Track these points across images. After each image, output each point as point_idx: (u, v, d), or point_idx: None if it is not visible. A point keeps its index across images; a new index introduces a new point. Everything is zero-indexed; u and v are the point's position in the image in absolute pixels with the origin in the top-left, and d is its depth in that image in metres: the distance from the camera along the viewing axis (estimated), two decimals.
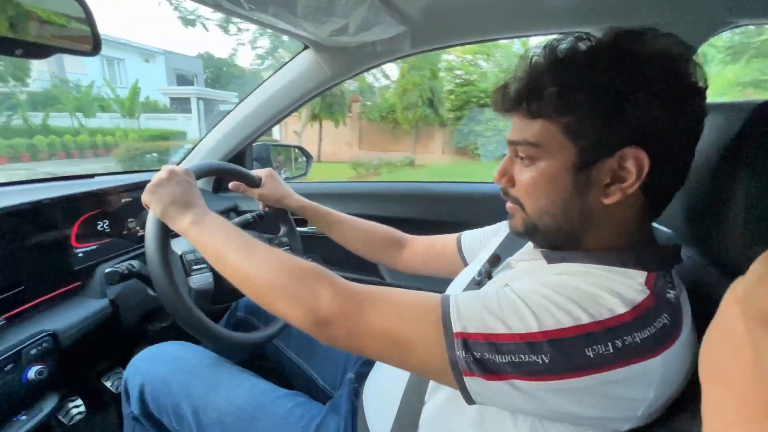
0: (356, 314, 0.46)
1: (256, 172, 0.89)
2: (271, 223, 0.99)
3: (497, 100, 0.51)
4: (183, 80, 18.82)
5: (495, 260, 0.63)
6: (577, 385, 0.39)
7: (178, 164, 1.27)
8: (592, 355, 0.38)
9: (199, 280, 0.76)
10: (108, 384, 0.95)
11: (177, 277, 0.68)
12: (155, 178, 0.67)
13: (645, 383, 0.40)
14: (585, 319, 0.39)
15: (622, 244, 0.49)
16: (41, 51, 0.48)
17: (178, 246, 0.77)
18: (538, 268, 0.54)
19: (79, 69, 14.37)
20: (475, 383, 0.41)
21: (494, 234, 0.77)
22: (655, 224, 0.53)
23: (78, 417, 0.84)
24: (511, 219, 0.56)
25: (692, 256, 0.56)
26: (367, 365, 0.87)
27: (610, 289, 0.42)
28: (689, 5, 0.76)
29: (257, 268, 0.53)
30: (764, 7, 0.75)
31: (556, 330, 0.39)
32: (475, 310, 0.43)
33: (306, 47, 0.99)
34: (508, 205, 0.55)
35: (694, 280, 0.51)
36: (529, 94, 0.47)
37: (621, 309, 0.40)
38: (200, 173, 0.75)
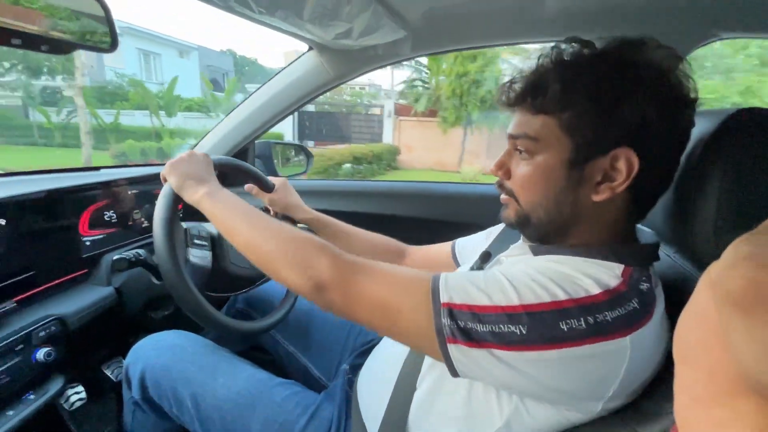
0: (352, 281, 0.50)
1: (273, 179, 0.93)
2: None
3: (503, 95, 0.54)
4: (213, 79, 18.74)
5: (486, 256, 0.66)
6: (550, 356, 0.42)
7: None
8: (565, 329, 0.41)
9: (198, 254, 0.80)
10: (108, 372, 0.97)
11: (177, 245, 0.72)
12: (177, 156, 0.73)
13: (614, 362, 0.43)
14: (561, 296, 0.43)
15: (605, 241, 0.52)
16: (64, 47, 0.51)
17: (184, 223, 0.82)
18: (522, 259, 0.56)
19: (117, 63, 14.20)
20: (457, 351, 0.44)
21: (485, 238, 0.80)
22: (638, 225, 0.56)
23: (78, 403, 0.86)
24: (504, 210, 0.58)
25: (671, 254, 0.59)
26: (361, 357, 0.90)
27: (588, 274, 0.45)
28: (674, 19, 0.79)
29: (264, 238, 0.57)
30: (743, 23, 0.79)
31: (534, 304, 0.43)
32: (462, 284, 0.46)
33: (310, 48, 1.02)
34: (503, 196, 0.58)
35: (672, 276, 0.54)
36: (533, 89, 0.49)
37: (595, 290, 0.43)
38: (220, 164, 0.79)
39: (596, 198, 0.49)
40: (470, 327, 0.44)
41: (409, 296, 0.48)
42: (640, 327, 0.43)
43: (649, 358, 0.46)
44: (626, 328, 0.43)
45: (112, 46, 0.58)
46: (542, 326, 0.42)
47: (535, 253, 0.56)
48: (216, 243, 0.85)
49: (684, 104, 0.47)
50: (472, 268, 0.68)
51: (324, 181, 1.42)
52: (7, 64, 12.67)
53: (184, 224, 0.81)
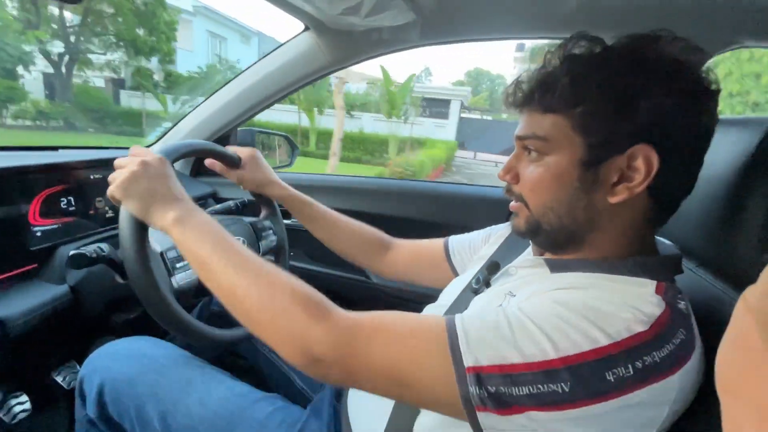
0: (352, 352, 0.42)
1: (236, 150, 0.81)
2: (255, 209, 0.93)
3: (509, 95, 0.51)
4: None
5: (494, 267, 0.61)
6: (596, 411, 0.37)
7: (149, 146, 1.19)
8: (612, 380, 0.37)
9: (183, 278, 0.70)
10: (59, 379, 0.86)
11: (159, 278, 0.61)
12: (126, 171, 0.56)
13: (662, 401, 0.39)
14: (603, 341, 0.38)
15: (625, 252, 0.48)
16: None
17: (156, 241, 0.70)
18: (541, 277, 0.52)
19: (185, 45, 13.25)
20: (488, 418, 0.39)
21: (484, 241, 0.76)
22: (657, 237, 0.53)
23: (22, 415, 0.76)
24: (514, 218, 0.55)
25: (693, 268, 0.56)
26: None
27: (626, 304, 0.40)
28: (697, 24, 0.77)
29: (246, 290, 0.47)
30: (767, 31, 0.77)
31: (574, 355, 0.37)
32: (486, 338, 0.40)
33: (306, 29, 0.93)
34: (513, 204, 0.54)
35: (697, 292, 0.51)
36: (542, 87, 0.47)
37: (639, 327, 0.38)
38: (175, 156, 0.66)
39: (613, 200, 0.45)
40: (503, 392, 0.38)
41: (424, 362, 0.41)
42: (689, 360, 0.40)
43: (693, 388, 0.42)
44: (676, 364, 0.39)
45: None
46: (586, 381, 0.37)
47: (553, 269, 0.51)
48: None
49: (704, 96, 0.44)
50: (478, 279, 0.62)
51: (313, 175, 1.34)
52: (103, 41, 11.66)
53: (158, 247, 0.70)
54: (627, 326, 0.38)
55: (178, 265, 0.70)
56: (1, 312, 0.65)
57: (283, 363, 0.89)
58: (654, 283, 0.43)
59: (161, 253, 0.69)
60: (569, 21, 0.81)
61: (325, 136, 11.84)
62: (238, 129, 1.22)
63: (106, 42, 11.68)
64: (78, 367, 0.89)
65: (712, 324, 0.42)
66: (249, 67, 1.05)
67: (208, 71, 13.14)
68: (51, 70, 11.25)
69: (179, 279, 0.69)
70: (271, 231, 0.90)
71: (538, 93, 0.47)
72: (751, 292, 0.20)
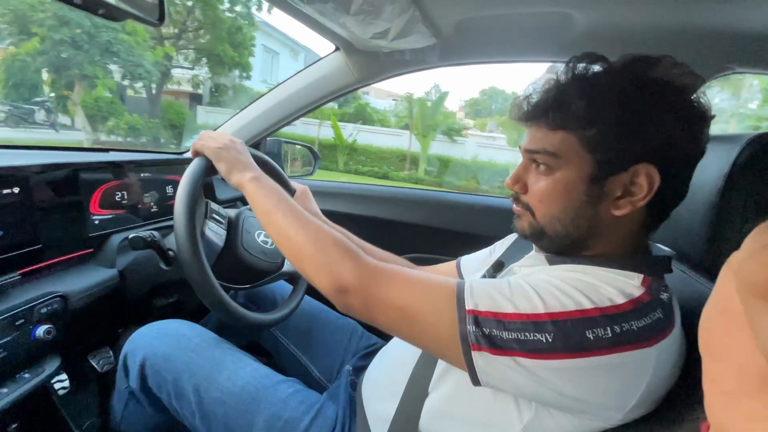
0: (373, 286, 0.50)
1: (295, 185, 0.90)
2: None
3: (519, 108, 0.54)
4: None
5: (498, 266, 0.67)
6: (576, 365, 0.42)
7: (188, 151, 1.29)
8: (591, 338, 0.41)
9: (214, 229, 0.80)
10: (94, 362, 0.94)
11: (208, 267, 0.70)
12: (219, 142, 0.72)
13: (639, 371, 0.43)
14: (587, 305, 0.43)
15: (620, 252, 0.52)
16: (115, 14, 0.51)
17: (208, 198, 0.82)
18: (540, 268, 0.56)
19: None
20: (481, 358, 0.44)
21: (489, 254, 0.80)
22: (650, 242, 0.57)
23: (62, 392, 0.83)
24: (516, 221, 0.58)
25: (684, 269, 0.61)
26: (364, 359, 0.88)
27: (610, 283, 0.46)
28: (692, 49, 0.83)
29: (297, 231, 0.58)
30: (758, 58, 0.83)
31: (560, 312, 0.43)
32: (487, 291, 0.47)
33: (337, 49, 1.04)
34: (516, 208, 0.58)
35: (685, 290, 0.55)
36: (554, 105, 0.49)
37: (620, 299, 0.44)
38: (254, 157, 0.77)
39: (617, 213, 0.49)
40: (495, 334, 0.44)
41: (432, 302, 0.48)
42: (665, 337, 0.44)
43: (672, 368, 0.46)
44: (652, 337, 0.43)
45: (160, 20, 0.58)
46: (568, 334, 0.42)
47: (551, 263, 0.56)
48: (232, 225, 0.85)
49: (704, 121, 0.48)
50: (483, 276, 0.68)
51: (332, 182, 1.42)
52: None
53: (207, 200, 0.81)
54: (609, 297, 0.44)
55: (215, 217, 0.81)
56: (64, 288, 0.73)
57: (302, 355, 0.95)
58: (641, 276, 0.48)
59: (207, 202, 0.81)
60: (575, 45, 0.87)
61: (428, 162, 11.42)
62: (267, 138, 1.32)
63: (195, 57, 11.95)
64: (111, 353, 0.97)
65: (697, 316, 0.46)
66: (282, 83, 1.16)
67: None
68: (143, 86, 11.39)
69: (211, 227, 0.79)
70: None
71: (552, 110, 0.49)
72: (734, 257, 0.21)
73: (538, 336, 0.42)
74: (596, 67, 0.49)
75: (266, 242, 0.89)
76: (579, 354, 0.42)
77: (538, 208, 0.53)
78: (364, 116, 14.18)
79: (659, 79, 0.47)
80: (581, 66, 0.49)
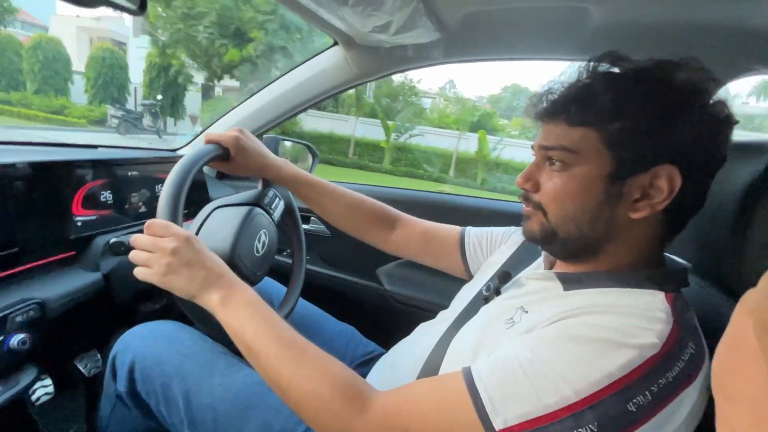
0: None
1: (219, 140, 0.73)
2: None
3: (537, 105, 0.52)
4: None
5: (505, 276, 0.62)
6: None
7: (180, 148, 1.25)
8: (634, 410, 0.38)
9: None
10: (81, 366, 0.90)
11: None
12: (161, 265, 0.55)
13: (681, 414, 0.40)
14: (618, 374, 0.39)
15: (635, 263, 0.50)
16: (93, 2, 0.47)
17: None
18: (553, 295, 0.53)
19: None
20: None
21: (502, 241, 0.76)
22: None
23: (45, 398, 0.79)
24: (526, 222, 0.55)
25: (701, 283, 0.58)
26: (362, 367, 0.85)
27: (638, 326, 0.41)
28: (713, 49, 0.79)
29: (288, 381, 0.50)
30: None
31: (593, 393, 0.38)
32: (508, 394, 0.41)
33: (335, 44, 0.99)
34: (527, 208, 0.55)
35: (703, 307, 0.53)
36: (577, 100, 0.48)
37: (651, 351, 0.40)
38: (174, 204, 0.61)
39: (634, 215, 0.47)
40: None
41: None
42: (701, 370, 0.41)
43: (705, 400, 0.43)
44: (689, 377, 0.40)
45: (141, 8, 0.53)
46: (610, 417, 0.38)
47: (565, 285, 0.52)
48: (234, 266, 0.78)
49: (729, 127, 0.47)
50: (488, 287, 0.64)
51: (334, 182, 1.38)
52: None
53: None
54: (640, 353, 0.39)
55: None
56: (41, 294, 0.69)
57: None
58: (662, 293, 0.45)
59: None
60: (587, 44, 0.83)
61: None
62: (264, 136, 1.28)
63: None
64: (99, 356, 0.94)
65: (718, 338, 0.44)
66: (278, 78, 1.11)
67: None
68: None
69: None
70: (276, 198, 0.86)
71: (575, 105, 0.48)
72: (750, 296, 0.20)
73: (582, 430, 0.38)
74: (623, 65, 0.48)
75: (259, 250, 0.84)
76: (628, 430, 0.38)
77: (551, 208, 0.51)
78: (487, 126, 12.80)
79: (686, 80, 0.45)
80: (608, 64, 0.48)
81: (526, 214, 0.55)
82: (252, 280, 0.77)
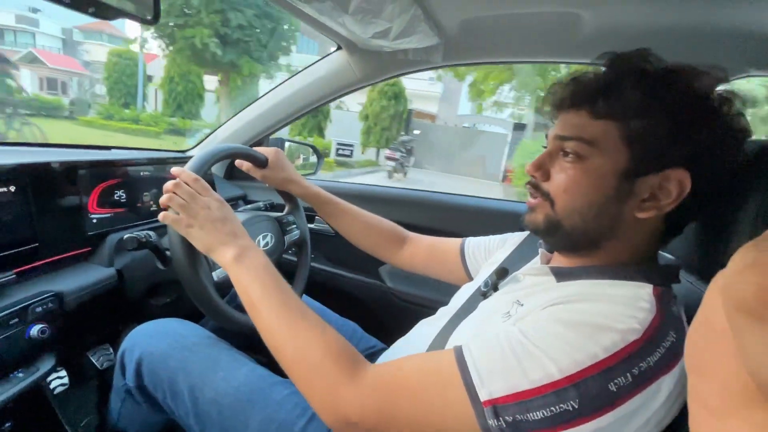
0: (380, 416, 0.46)
1: (262, 150, 0.88)
2: (281, 210, 1.00)
3: (559, 94, 0.52)
4: None
5: (502, 273, 0.64)
6: (606, 421, 0.40)
7: (190, 149, 1.29)
8: (615, 390, 0.39)
9: (222, 272, 0.76)
10: (94, 359, 0.94)
11: (203, 271, 0.69)
12: (189, 216, 0.63)
13: (659, 399, 0.42)
14: (601, 354, 0.40)
15: (629, 260, 0.51)
16: (107, 13, 0.50)
17: None
18: (548, 287, 0.54)
19: None
20: None
21: (500, 246, 0.79)
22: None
23: (60, 389, 0.83)
24: (530, 214, 0.55)
25: (693, 281, 0.59)
26: None
27: (622, 314, 0.43)
28: (706, 52, 0.81)
29: (284, 342, 0.53)
30: None
31: (577, 372, 0.40)
32: (494, 369, 0.43)
33: (338, 48, 1.02)
34: (532, 200, 0.55)
35: (694, 303, 0.54)
36: (605, 92, 0.48)
37: (633, 336, 0.41)
38: (208, 166, 0.72)
39: (641, 215, 0.48)
40: (519, 419, 0.40)
41: (447, 412, 0.44)
42: (679, 362, 0.42)
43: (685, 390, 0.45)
44: (667, 365, 0.42)
45: (155, 18, 0.57)
46: (592, 395, 0.40)
47: (559, 278, 0.54)
48: None
49: (746, 137, 0.47)
50: (486, 283, 0.66)
51: (334, 182, 1.41)
52: None
53: None
54: (622, 337, 0.41)
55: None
56: (60, 287, 0.73)
57: None
58: (650, 286, 0.46)
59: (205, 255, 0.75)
60: (585, 47, 0.85)
61: None
62: (270, 138, 1.32)
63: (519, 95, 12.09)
64: (111, 350, 0.97)
65: None
66: (284, 81, 1.15)
67: None
68: None
69: (219, 272, 0.76)
70: (294, 225, 0.96)
71: (602, 98, 0.48)
72: (720, 275, 0.21)
73: (563, 406, 0.40)
74: (648, 65, 0.48)
75: (260, 245, 0.88)
76: (606, 410, 0.40)
77: (560, 198, 0.51)
78: None
79: (711, 88, 0.46)
80: (638, 61, 0.48)
81: (531, 205, 0.55)
82: None
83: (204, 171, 0.71)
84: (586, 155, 0.49)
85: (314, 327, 0.53)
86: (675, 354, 0.42)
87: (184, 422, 0.72)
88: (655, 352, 0.41)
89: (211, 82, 12.82)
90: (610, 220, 0.49)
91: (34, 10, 26.41)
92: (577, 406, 0.39)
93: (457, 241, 0.86)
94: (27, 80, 19.72)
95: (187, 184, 0.64)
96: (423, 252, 0.89)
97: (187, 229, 0.63)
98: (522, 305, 0.53)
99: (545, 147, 0.55)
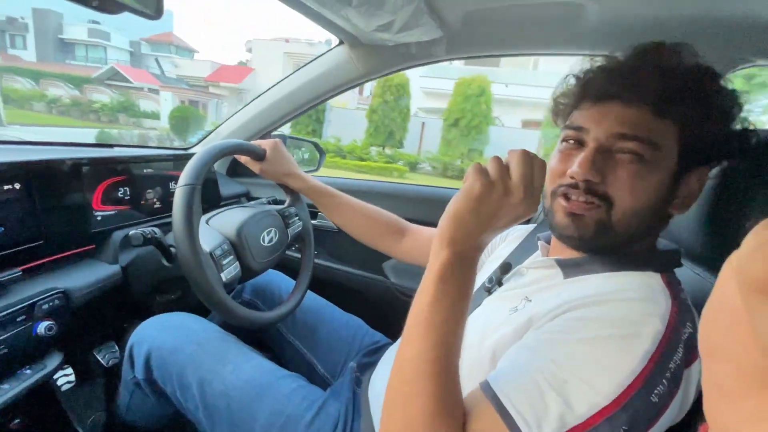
0: None
1: (260, 143, 0.87)
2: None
3: (605, 83, 0.48)
4: None
5: (506, 267, 0.64)
6: None
7: (192, 147, 1.29)
8: (656, 400, 0.38)
9: (230, 272, 0.77)
10: (99, 357, 0.94)
11: (211, 274, 0.69)
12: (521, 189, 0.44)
13: (689, 396, 0.42)
14: (638, 367, 0.38)
15: (630, 247, 0.51)
16: (110, 7, 0.50)
17: (204, 242, 0.75)
18: (554, 282, 0.54)
19: None
20: None
21: (502, 239, 0.78)
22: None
23: (67, 386, 0.83)
24: (575, 220, 0.49)
25: (693, 268, 0.59)
26: (369, 356, 0.88)
27: (644, 312, 0.41)
28: (711, 41, 0.80)
29: (412, 375, 0.43)
30: None
31: (622, 393, 0.38)
32: (540, 413, 0.38)
33: (341, 43, 1.01)
34: (585, 202, 0.48)
35: (694, 289, 0.54)
36: (671, 92, 0.45)
37: (659, 335, 0.40)
38: (208, 166, 0.73)
39: (677, 212, 0.49)
40: None
41: None
42: (697, 354, 0.42)
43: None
44: (690, 358, 0.41)
45: (157, 12, 0.56)
46: (640, 413, 0.38)
47: (565, 271, 0.53)
48: (237, 247, 0.82)
49: (751, 135, 0.49)
50: (491, 279, 0.66)
51: (338, 179, 1.41)
52: None
53: (206, 246, 0.75)
54: (651, 340, 0.39)
55: (224, 262, 0.77)
56: (65, 284, 0.73)
57: (306, 351, 0.94)
58: (658, 275, 0.47)
59: (210, 253, 0.75)
60: (588, 37, 0.85)
61: None
62: (272, 134, 1.31)
63: None
64: (117, 347, 0.98)
65: None
66: (287, 77, 1.14)
67: None
68: None
69: (227, 274, 0.76)
70: (296, 217, 0.97)
71: (668, 97, 0.45)
72: (734, 256, 0.20)
73: None
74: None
75: (265, 240, 0.88)
76: (652, 424, 0.39)
77: (623, 200, 0.47)
78: None
79: (731, 89, 0.47)
80: (688, 54, 0.47)
81: (581, 209, 0.49)
82: (253, 266, 0.82)
83: (206, 172, 0.72)
84: (647, 154, 0.46)
85: (448, 384, 0.43)
86: (693, 346, 0.42)
87: (193, 415, 0.72)
88: (678, 348, 0.40)
89: None
90: (656, 220, 0.49)
91: (95, 22, 26.03)
92: (627, 428, 0.37)
93: None
94: (169, 104, 16.73)
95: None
96: (423, 244, 0.88)
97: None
98: (530, 301, 0.53)
99: (570, 141, 0.52)
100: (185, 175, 0.69)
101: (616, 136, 0.47)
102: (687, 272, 0.59)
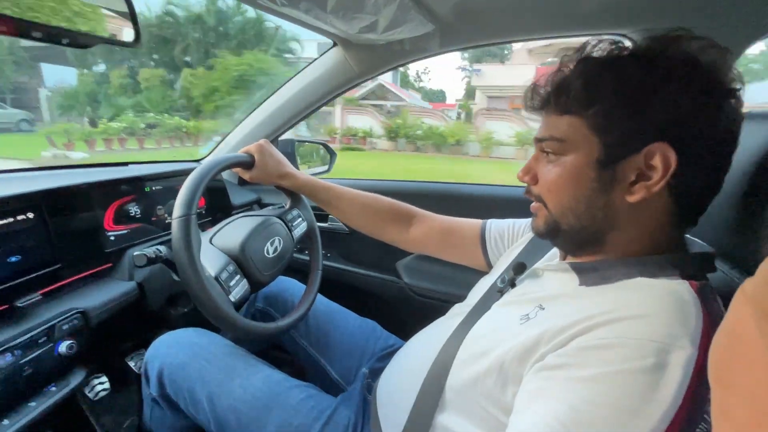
0: None
1: (247, 150, 0.86)
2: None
3: (527, 98, 0.53)
4: None
5: (519, 268, 0.61)
6: None
7: (201, 159, 1.32)
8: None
9: (238, 291, 0.77)
10: (132, 364, 0.99)
11: (219, 296, 0.70)
12: None
13: None
14: (672, 408, 0.35)
15: (647, 249, 0.48)
16: (86, 41, 0.51)
17: (209, 266, 0.76)
18: (569, 288, 0.51)
19: None
20: None
21: (524, 232, 0.75)
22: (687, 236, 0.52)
23: (102, 393, 0.88)
24: (534, 220, 0.56)
25: (726, 270, 0.54)
26: (381, 360, 0.87)
27: (670, 332, 0.38)
28: (729, 11, 0.73)
29: None
30: None
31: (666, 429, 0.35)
32: None
33: (334, 44, 1.00)
34: (533, 205, 0.55)
35: (729, 295, 0.49)
36: (557, 90, 0.49)
37: (692, 362, 0.36)
38: (198, 197, 0.73)
39: (631, 199, 0.45)
40: None
41: None
42: None
43: None
44: None
45: (136, 41, 0.57)
46: None
47: (581, 277, 0.50)
48: (243, 264, 0.82)
49: (722, 94, 0.43)
50: (503, 279, 0.63)
51: (349, 180, 1.40)
52: None
53: (211, 271, 0.76)
54: (683, 372, 0.36)
55: (231, 284, 0.77)
56: (84, 304, 0.77)
57: (320, 356, 0.95)
58: (687, 282, 0.43)
59: (216, 278, 0.75)
60: (589, 19, 0.80)
61: None
62: (279, 139, 1.32)
63: None
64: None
65: None
66: (285, 83, 1.14)
67: None
68: None
69: (235, 293, 0.77)
70: (300, 218, 0.96)
71: (554, 96, 0.49)
72: (749, 283, 0.20)
73: None
74: (609, 48, 0.48)
75: (269, 252, 0.89)
76: None
77: (548, 198, 0.52)
78: None
79: (672, 54, 0.44)
80: (590, 50, 0.48)
81: (533, 211, 0.56)
82: (259, 278, 0.83)
83: (195, 203, 0.71)
84: (561, 152, 0.49)
85: None
86: None
87: (207, 428, 0.75)
88: None
89: None
90: (603, 211, 0.48)
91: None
92: None
93: (476, 223, 0.81)
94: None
95: None
96: (436, 233, 0.85)
97: None
98: (543, 309, 0.50)
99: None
100: (178, 207, 0.70)
101: (535, 140, 0.53)
102: (720, 276, 0.54)
